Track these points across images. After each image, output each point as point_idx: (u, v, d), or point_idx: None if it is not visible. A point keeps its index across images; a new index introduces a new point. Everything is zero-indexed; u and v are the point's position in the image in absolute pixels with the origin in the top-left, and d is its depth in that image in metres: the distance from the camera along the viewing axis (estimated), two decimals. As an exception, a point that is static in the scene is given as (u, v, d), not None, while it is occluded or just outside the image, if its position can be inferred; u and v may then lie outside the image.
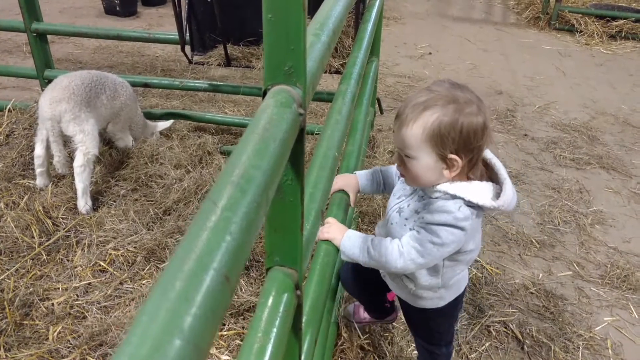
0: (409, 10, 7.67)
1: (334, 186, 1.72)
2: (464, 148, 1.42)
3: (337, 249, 1.63)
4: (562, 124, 4.55)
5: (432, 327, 1.90)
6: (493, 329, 2.54)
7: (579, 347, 2.48)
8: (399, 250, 1.49)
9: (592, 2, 7.35)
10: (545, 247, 3.10)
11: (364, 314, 2.26)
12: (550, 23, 6.99)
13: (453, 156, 1.42)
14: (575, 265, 2.97)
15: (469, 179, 1.50)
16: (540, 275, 2.89)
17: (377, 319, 2.26)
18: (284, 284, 1.00)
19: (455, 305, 1.79)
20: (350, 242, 1.57)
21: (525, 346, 2.47)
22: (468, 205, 1.46)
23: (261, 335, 0.89)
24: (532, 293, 2.77)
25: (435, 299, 1.72)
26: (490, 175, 1.56)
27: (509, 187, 1.49)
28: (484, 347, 2.46)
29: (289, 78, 0.85)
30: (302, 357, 1.29)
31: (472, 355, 2.41)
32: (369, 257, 1.53)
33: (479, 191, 1.46)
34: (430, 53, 6.07)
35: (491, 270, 2.88)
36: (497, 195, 1.49)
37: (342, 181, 1.78)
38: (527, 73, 5.64)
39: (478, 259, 2.93)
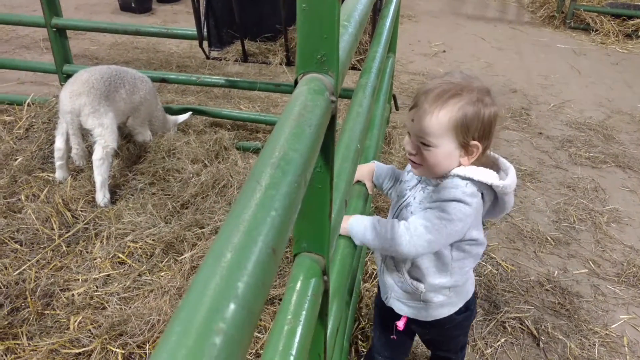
0: (423, 8, 7.66)
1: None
2: (483, 135, 1.48)
3: (354, 246, 1.64)
4: (577, 123, 4.54)
5: (446, 339, 1.90)
6: (508, 325, 2.54)
7: (594, 344, 2.48)
8: (405, 227, 1.50)
9: (607, 1, 7.31)
10: (560, 245, 3.09)
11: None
12: (566, 22, 6.96)
13: (475, 142, 1.47)
14: (591, 263, 2.97)
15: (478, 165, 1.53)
16: (556, 272, 2.89)
17: None
18: (311, 270, 1.02)
19: (467, 316, 1.78)
20: (357, 222, 1.57)
21: (540, 342, 2.47)
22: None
23: (291, 318, 0.91)
24: (547, 290, 2.77)
25: (447, 306, 1.70)
26: (498, 172, 1.58)
27: (512, 173, 1.54)
28: (499, 342, 2.46)
29: (322, 66, 0.87)
30: (327, 345, 1.31)
31: (487, 351, 2.42)
32: (376, 234, 1.53)
33: (487, 173, 1.49)
34: (444, 51, 6.07)
35: (506, 267, 2.88)
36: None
37: (357, 174, 1.79)
38: (541, 72, 5.62)
39: (493, 255, 2.94)
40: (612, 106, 4.90)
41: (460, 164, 1.51)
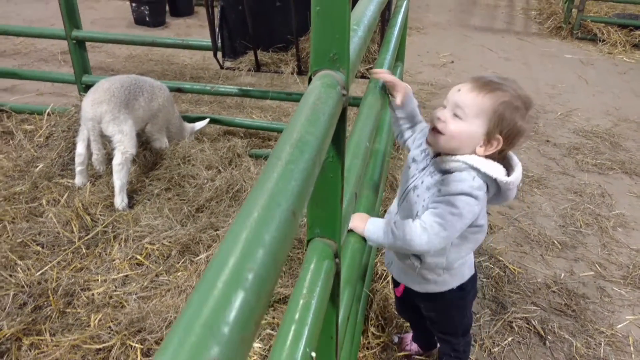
0: (431, 20, 7.77)
1: (383, 77, 1.78)
2: (509, 137, 1.56)
3: (364, 240, 1.73)
4: (584, 131, 4.60)
5: (443, 317, 1.99)
6: (515, 325, 2.60)
7: (600, 344, 2.53)
8: (422, 227, 1.57)
9: (615, 12, 7.39)
10: (567, 249, 3.15)
11: (409, 346, 2.36)
12: (573, 32, 7.04)
13: (499, 137, 1.54)
14: (597, 265, 3.02)
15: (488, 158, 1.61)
16: (562, 275, 2.94)
17: (421, 348, 2.34)
18: (324, 253, 1.10)
19: (461, 296, 1.87)
20: (374, 227, 1.66)
21: (547, 341, 2.53)
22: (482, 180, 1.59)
23: (306, 293, 0.99)
24: (554, 292, 2.82)
25: (439, 283, 1.81)
26: (507, 167, 1.66)
27: (519, 170, 1.61)
28: (506, 341, 2.52)
29: (334, 64, 0.96)
30: (339, 330, 1.39)
31: (494, 349, 2.48)
32: (394, 238, 1.61)
33: (495, 168, 1.57)
34: (452, 62, 6.16)
35: (514, 269, 2.94)
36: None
37: (393, 78, 1.81)
38: (549, 81, 5.69)
39: (501, 258, 3.00)
40: (619, 114, 4.96)
41: (474, 152, 1.58)
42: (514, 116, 1.52)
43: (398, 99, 1.78)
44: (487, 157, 1.60)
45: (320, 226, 1.12)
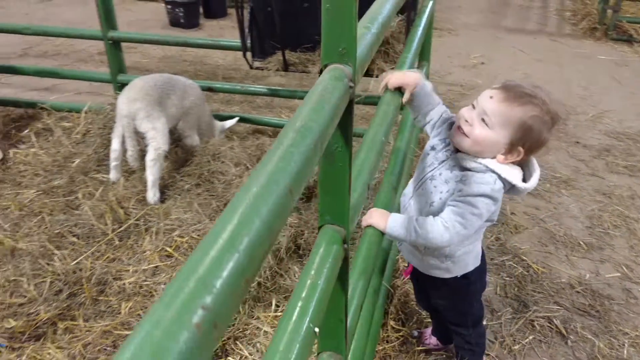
0: (462, 21, 7.74)
1: (391, 83, 1.79)
2: (530, 150, 1.61)
3: (381, 233, 1.78)
4: (615, 132, 4.53)
5: (449, 304, 2.03)
6: (537, 324, 2.60)
7: (624, 344, 2.51)
8: (444, 226, 1.63)
9: (652, 12, 7.24)
10: (593, 250, 3.13)
11: (429, 339, 2.40)
12: (607, 33, 6.91)
13: (521, 149, 1.59)
14: (623, 267, 2.99)
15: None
16: (587, 275, 2.93)
17: (440, 342, 2.38)
18: (333, 238, 1.16)
19: (465, 285, 1.91)
20: (395, 224, 1.72)
21: (569, 341, 2.52)
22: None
23: (314, 274, 1.05)
24: (578, 292, 2.81)
25: (442, 269, 1.86)
26: (525, 171, 1.71)
27: (536, 177, 1.67)
28: (527, 340, 2.53)
29: (342, 58, 1.02)
30: (349, 318, 1.45)
31: (515, 347, 2.49)
32: (416, 235, 1.66)
33: (514, 173, 1.62)
34: (483, 63, 6.14)
35: (537, 269, 2.94)
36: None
37: (401, 78, 1.82)
38: (581, 83, 5.62)
39: (524, 258, 3.00)
40: (653, 116, 4.87)
41: (494, 158, 1.62)
42: (541, 130, 1.56)
43: (404, 97, 1.82)
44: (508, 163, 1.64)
45: (331, 213, 1.18)
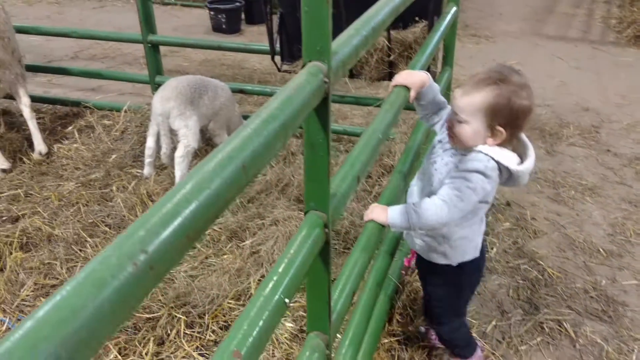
0: (502, 29, 7.70)
1: (396, 80, 1.93)
2: (510, 123, 1.70)
3: (382, 225, 1.88)
4: (650, 142, 4.45)
5: (437, 292, 2.09)
6: (546, 326, 2.62)
7: (633, 350, 2.50)
8: (442, 200, 1.73)
9: (700, 20, 7.03)
10: (612, 257, 3.11)
11: (434, 337, 2.46)
12: (653, 41, 6.76)
13: (500, 128, 1.70)
14: (642, 275, 2.97)
15: (502, 147, 1.75)
16: (604, 282, 2.92)
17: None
18: (315, 223, 1.26)
19: (458, 274, 1.98)
20: (394, 214, 1.82)
21: (577, 344, 2.54)
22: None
23: (292, 253, 1.16)
24: (591, 297, 2.81)
25: (440, 255, 1.95)
26: (520, 150, 1.80)
27: (530, 160, 1.76)
28: (535, 341, 2.55)
29: (320, 55, 1.13)
30: (340, 303, 1.54)
31: (522, 347, 2.52)
32: (417, 217, 1.76)
33: (508, 156, 1.72)
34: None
35: (552, 273, 2.95)
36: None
37: (406, 77, 1.93)
38: (619, 91, 5.52)
39: (540, 262, 3.02)
40: (692, 126, 4.75)
41: (485, 144, 1.74)
42: (508, 103, 1.66)
43: (411, 95, 1.91)
44: (502, 146, 1.75)
45: (314, 200, 1.28)
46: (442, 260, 1.96)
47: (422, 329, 2.51)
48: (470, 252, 1.94)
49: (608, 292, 2.84)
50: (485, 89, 1.69)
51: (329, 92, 1.13)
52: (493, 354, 2.47)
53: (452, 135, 1.80)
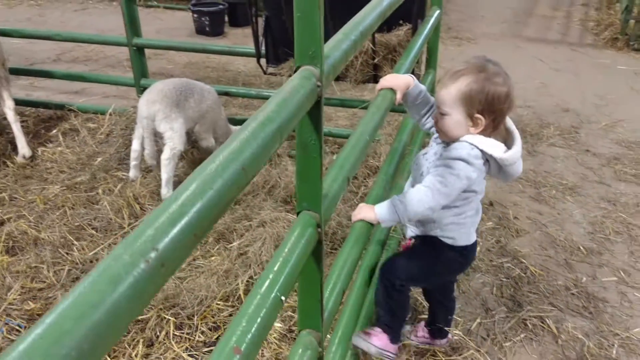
0: (483, 31, 7.81)
1: (381, 83, 2.00)
2: (488, 110, 1.77)
3: (370, 224, 1.92)
4: (627, 142, 4.56)
5: (408, 256, 2.11)
6: (529, 323, 2.69)
7: (613, 345, 2.57)
8: (425, 186, 1.80)
9: (675, 23, 7.20)
10: (592, 254, 3.19)
11: (421, 332, 2.50)
12: (629, 44, 6.91)
13: (478, 115, 1.77)
14: (621, 272, 3.05)
15: (489, 136, 1.82)
16: (584, 279, 2.99)
17: (431, 336, 2.48)
18: (308, 222, 1.30)
19: (440, 250, 2.00)
20: (381, 209, 1.88)
21: (559, 340, 2.60)
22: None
23: (287, 251, 1.19)
24: (573, 294, 2.88)
25: (429, 232, 1.99)
26: (507, 143, 1.86)
27: (516, 149, 1.82)
28: (518, 337, 2.61)
29: (312, 60, 1.16)
30: (331, 300, 1.58)
31: (506, 344, 2.58)
32: (403, 207, 1.81)
33: (492, 145, 1.79)
34: (499, 72, 6.20)
35: (535, 271, 3.02)
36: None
37: (391, 80, 2.00)
38: (598, 92, 5.64)
39: (523, 260, 3.08)
40: (668, 126, 4.88)
41: (469, 133, 1.80)
42: (482, 89, 1.73)
43: (397, 97, 1.96)
44: (488, 135, 1.81)
45: (306, 200, 1.31)
46: (429, 232, 2.00)
47: (408, 327, 2.56)
48: (462, 238, 1.98)
49: (588, 289, 2.92)
50: (459, 79, 1.77)
51: (321, 95, 1.17)
52: (478, 350, 2.52)
53: (439, 130, 1.88)
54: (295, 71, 1.18)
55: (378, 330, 2.13)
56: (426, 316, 2.56)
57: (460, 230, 1.97)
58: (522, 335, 2.62)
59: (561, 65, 6.46)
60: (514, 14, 8.76)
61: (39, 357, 0.49)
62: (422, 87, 2.07)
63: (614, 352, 2.54)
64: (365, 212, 1.91)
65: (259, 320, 1.04)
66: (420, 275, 2.14)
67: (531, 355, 2.53)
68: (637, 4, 6.77)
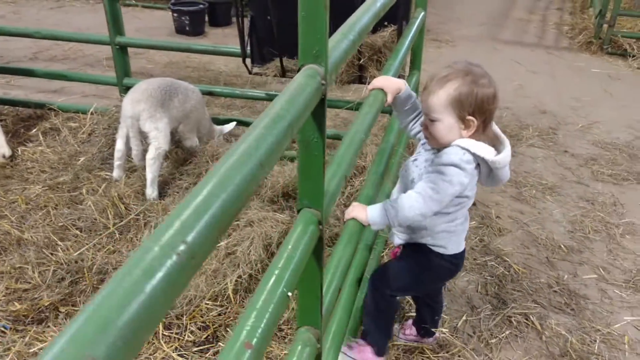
0: (462, 33, 7.91)
1: (373, 83, 2.03)
2: (479, 111, 1.80)
3: (361, 224, 1.94)
4: (603, 143, 4.68)
5: (398, 265, 2.13)
6: (514, 320, 2.74)
7: (595, 340, 2.64)
8: (416, 193, 1.81)
9: (646, 28, 7.41)
10: (573, 252, 3.27)
11: (408, 330, 2.54)
12: (603, 47, 7.07)
13: (470, 117, 1.80)
14: (600, 269, 3.13)
15: (478, 140, 1.84)
16: (566, 276, 3.06)
17: (418, 335, 2.52)
18: (310, 219, 1.31)
19: (428, 258, 2.03)
20: (373, 212, 1.89)
21: (543, 336, 2.66)
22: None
23: (290, 248, 1.20)
24: (555, 291, 2.95)
25: (419, 239, 2.01)
26: (498, 148, 1.89)
27: (506, 152, 1.86)
28: (504, 334, 2.66)
29: (316, 59, 1.18)
30: (327, 298, 1.59)
31: (492, 341, 2.62)
32: (395, 212, 1.83)
33: (484, 148, 1.81)
34: (478, 74, 6.29)
35: (518, 269, 3.08)
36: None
37: (383, 82, 2.04)
38: (573, 94, 5.77)
39: (506, 259, 3.14)
40: (641, 128, 5.01)
41: (461, 136, 1.82)
42: (471, 91, 1.76)
43: (388, 99, 2.00)
44: (478, 138, 1.83)
45: (308, 198, 1.33)
46: (419, 240, 2.02)
47: (396, 325, 2.59)
48: (452, 246, 2.01)
49: (570, 286, 2.99)
50: (447, 84, 1.79)
51: (325, 93, 1.19)
52: (465, 348, 2.56)
53: (429, 136, 1.89)
54: (298, 70, 1.19)
55: (363, 343, 2.19)
56: (414, 314, 2.60)
57: (451, 239, 2.00)
58: (507, 332, 2.67)
59: (538, 68, 6.58)
60: (490, 17, 8.89)
61: (87, 344, 0.49)
62: (413, 93, 2.11)
63: (596, 347, 2.60)
64: (358, 211, 1.92)
65: (267, 315, 1.05)
66: (411, 285, 2.17)
67: (516, 351, 2.58)
68: (610, 9, 6.93)
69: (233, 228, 3.03)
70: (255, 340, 0.98)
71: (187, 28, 7.25)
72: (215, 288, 2.64)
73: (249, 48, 3.68)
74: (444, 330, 2.62)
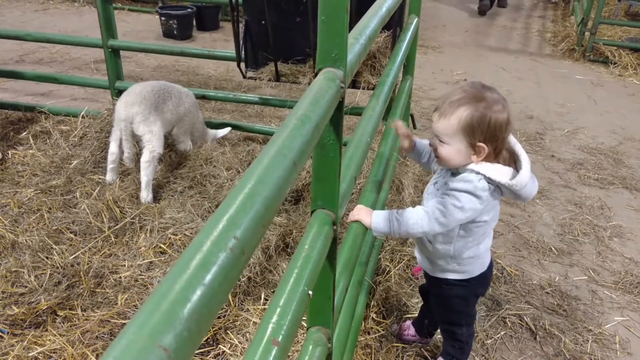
0: (447, 40, 8.02)
1: (399, 125, 2.05)
2: (490, 138, 1.75)
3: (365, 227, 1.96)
4: (589, 148, 4.77)
5: (448, 304, 2.17)
6: (508, 321, 2.79)
7: (588, 340, 2.70)
8: (424, 211, 1.81)
9: (627, 36, 7.58)
10: (563, 255, 3.33)
11: (408, 330, 2.56)
12: (585, 55, 7.22)
13: (481, 144, 1.75)
14: (591, 271, 3.19)
15: (493, 162, 1.80)
16: (557, 278, 3.12)
17: (418, 334, 2.55)
18: (325, 220, 1.33)
19: (464, 286, 2.05)
20: (378, 218, 1.88)
21: (537, 337, 2.71)
22: (488, 182, 1.78)
23: (307, 248, 1.22)
24: (547, 293, 3.00)
25: (449, 271, 2.01)
26: (516, 165, 1.84)
27: (524, 172, 1.79)
28: (499, 335, 2.71)
29: (335, 62, 1.20)
30: (336, 298, 1.61)
31: (487, 342, 2.67)
32: (398, 224, 1.83)
33: (498, 171, 1.76)
34: (465, 79, 6.38)
35: (511, 271, 3.13)
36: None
37: (406, 131, 2.08)
38: (558, 100, 5.88)
39: (499, 261, 3.19)
40: (624, 134, 5.12)
41: (471, 161, 1.79)
42: (483, 118, 1.71)
43: (406, 144, 2.06)
44: (491, 161, 1.79)
45: (322, 199, 1.35)
46: (448, 275, 2.02)
47: (395, 326, 2.62)
48: (478, 268, 2.01)
49: (562, 287, 3.04)
50: (459, 109, 1.73)
51: (344, 96, 1.21)
52: (462, 347, 2.60)
53: (438, 156, 1.86)
54: (316, 74, 1.22)
55: None
56: (413, 315, 2.63)
57: (477, 262, 1.99)
58: (502, 333, 2.72)
59: (523, 74, 6.69)
60: (475, 24, 9.02)
61: (156, 335, 0.51)
62: (424, 142, 2.11)
63: (589, 347, 2.66)
64: (363, 215, 1.92)
65: (291, 313, 1.07)
66: (466, 309, 2.17)
67: (512, 352, 2.62)
68: (592, 18, 7.08)
69: (230, 231, 3.04)
70: (281, 337, 1.00)
71: (175, 32, 7.24)
72: (213, 291, 2.64)
73: (243, 52, 3.69)
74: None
